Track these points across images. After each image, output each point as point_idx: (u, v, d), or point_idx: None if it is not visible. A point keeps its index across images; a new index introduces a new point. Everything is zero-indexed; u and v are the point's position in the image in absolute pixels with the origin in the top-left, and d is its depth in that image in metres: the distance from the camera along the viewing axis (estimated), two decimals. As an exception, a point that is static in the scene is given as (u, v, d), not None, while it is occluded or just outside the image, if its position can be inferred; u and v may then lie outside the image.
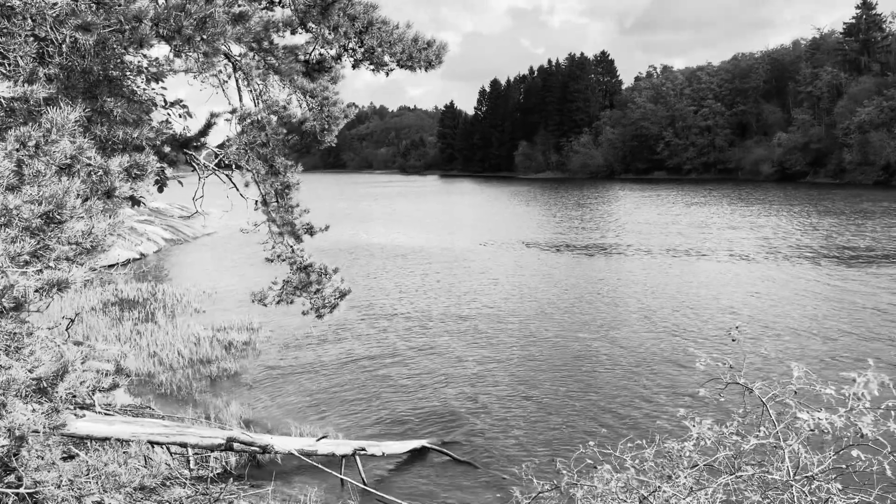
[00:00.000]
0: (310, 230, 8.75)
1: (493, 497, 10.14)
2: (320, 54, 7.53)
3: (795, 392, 4.91)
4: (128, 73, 7.85)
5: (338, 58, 7.54)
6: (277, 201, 8.39)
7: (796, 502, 4.56)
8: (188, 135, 7.82)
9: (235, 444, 10.47)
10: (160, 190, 8.30)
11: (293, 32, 7.40)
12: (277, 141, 7.79)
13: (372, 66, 7.60)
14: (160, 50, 6.92)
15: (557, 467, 5.55)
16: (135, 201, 7.27)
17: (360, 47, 7.39)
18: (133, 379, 15.39)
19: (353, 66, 7.67)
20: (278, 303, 8.91)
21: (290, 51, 7.41)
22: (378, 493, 10.11)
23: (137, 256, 35.55)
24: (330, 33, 7.24)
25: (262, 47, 7.20)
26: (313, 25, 7.28)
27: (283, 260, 8.79)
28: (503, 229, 47.20)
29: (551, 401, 13.96)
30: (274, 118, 7.66)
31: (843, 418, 4.55)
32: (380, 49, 7.35)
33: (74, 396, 4.88)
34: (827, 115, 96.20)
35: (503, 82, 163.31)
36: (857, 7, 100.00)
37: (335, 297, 9.00)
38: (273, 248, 8.69)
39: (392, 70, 7.70)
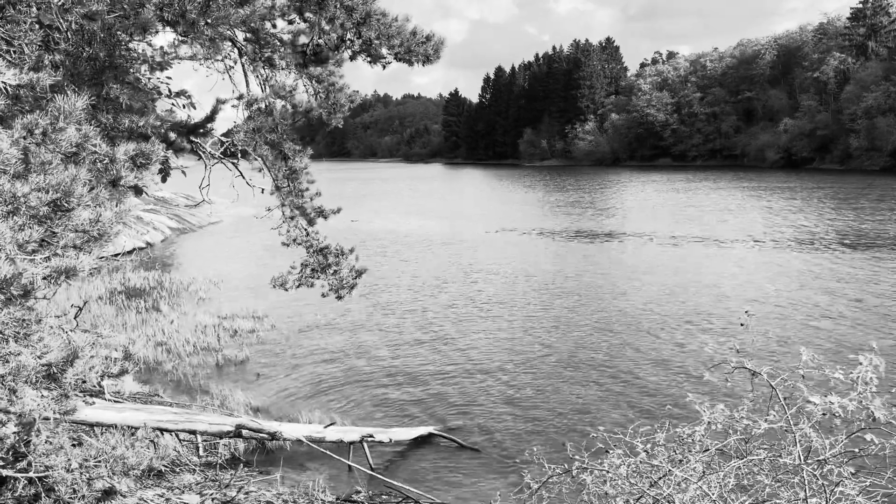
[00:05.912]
0: (322, 213, 8.78)
1: (499, 482, 10.17)
2: (317, 45, 7.47)
3: (803, 376, 4.88)
4: (133, 61, 7.81)
5: (335, 49, 7.48)
6: (289, 186, 8.40)
7: (808, 486, 4.54)
8: (194, 121, 7.80)
9: (244, 431, 10.53)
10: (163, 180, 8.29)
11: (290, 22, 7.34)
12: (286, 126, 7.78)
13: (369, 59, 7.54)
14: (165, 37, 6.88)
15: (569, 451, 5.55)
16: (137, 191, 7.25)
17: (357, 38, 7.33)
18: (141, 367, 15.46)
19: (351, 58, 7.60)
20: (299, 286, 8.99)
21: (287, 41, 7.37)
22: (386, 478, 10.15)
23: (143, 245, 35.61)
24: (327, 24, 7.19)
25: (259, 37, 7.15)
26: (311, 15, 7.22)
27: (299, 244, 8.84)
28: (508, 216, 47.11)
29: (558, 387, 13.97)
30: (280, 103, 7.63)
31: (855, 402, 4.51)
32: (378, 41, 7.29)
33: (84, 383, 4.89)
34: (833, 101, 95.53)
35: (508, 70, 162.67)
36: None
37: (352, 276, 9.08)
38: (287, 232, 8.73)
39: (389, 63, 7.63)
